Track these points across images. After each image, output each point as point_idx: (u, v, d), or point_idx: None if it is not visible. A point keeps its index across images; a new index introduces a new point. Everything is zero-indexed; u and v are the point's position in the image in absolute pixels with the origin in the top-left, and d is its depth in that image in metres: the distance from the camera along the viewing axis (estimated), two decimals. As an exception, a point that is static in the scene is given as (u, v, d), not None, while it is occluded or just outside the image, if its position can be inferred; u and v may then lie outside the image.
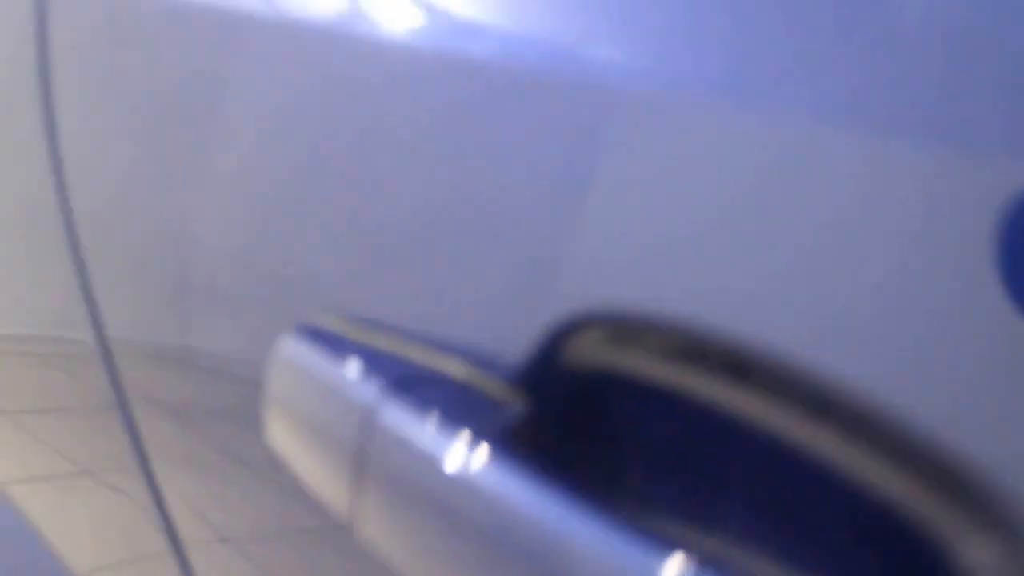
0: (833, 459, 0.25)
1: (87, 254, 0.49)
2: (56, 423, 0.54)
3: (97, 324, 0.50)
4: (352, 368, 0.34)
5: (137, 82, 0.47)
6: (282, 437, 0.37)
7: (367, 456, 0.32)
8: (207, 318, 0.43)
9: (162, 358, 0.47)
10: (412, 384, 0.33)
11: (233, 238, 0.41)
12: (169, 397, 0.47)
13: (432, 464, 0.30)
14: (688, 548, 0.26)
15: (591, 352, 0.30)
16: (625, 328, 0.29)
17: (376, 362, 0.34)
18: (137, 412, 0.49)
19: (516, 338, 0.30)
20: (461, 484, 0.30)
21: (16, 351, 0.56)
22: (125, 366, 0.49)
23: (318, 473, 0.36)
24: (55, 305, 0.53)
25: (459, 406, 0.32)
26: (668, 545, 0.25)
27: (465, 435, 0.30)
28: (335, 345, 0.36)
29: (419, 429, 0.31)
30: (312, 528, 0.39)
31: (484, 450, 0.29)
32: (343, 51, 0.35)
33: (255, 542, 0.43)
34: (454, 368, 0.33)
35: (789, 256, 0.25)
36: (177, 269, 0.44)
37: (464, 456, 0.30)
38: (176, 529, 0.49)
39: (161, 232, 0.45)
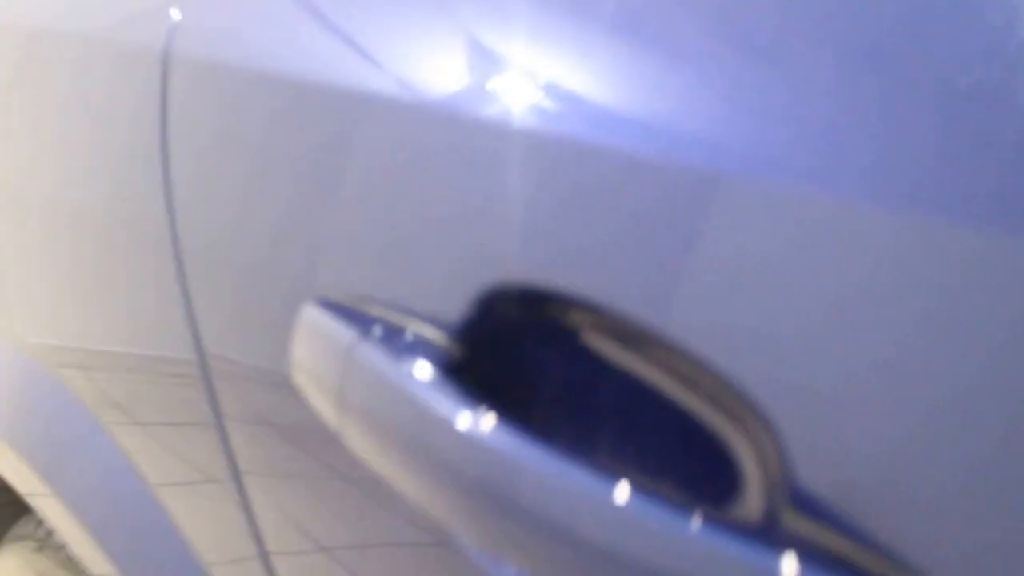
0: (668, 389, 0.36)
1: (192, 281, 0.58)
2: (188, 434, 0.60)
3: (199, 345, 0.57)
4: (343, 324, 0.46)
5: (236, 137, 0.55)
6: (300, 375, 0.48)
7: (347, 383, 0.44)
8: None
9: (259, 377, 0.54)
10: (382, 334, 0.44)
11: (305, 267, 0.51)
12: (267, 414, 0.54)
13: (390, 389, 0.42)
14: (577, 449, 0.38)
15: (507, 313, 0.41)
16: (531, 296, 0.39)
17: (360, 320, 0.45)
18: (238, 428, 0.56)
19: (456, 303, 0.41)
20: (410, 403, 0.41)
21: (158, 370, 0.63)
22: (223, 384, 0.56)
23: (318, 398, 0.47)
24: (172, 327, 0.59)
25: (411, 350, 0.43)
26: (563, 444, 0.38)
27: (414, 369, 0.42)
28: (338, 311, 0.47)
29: (382, 364, 0.43)
30: (399, 541, 0.48)
31: (428, 378, 0.41)
32: (414, 119, 0.45)
33: (345, 552, 0.51)
34: (413, 325, 0.44)
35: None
36: (271, 296, 0.52)
37: (413, 383, 0.41)
38: (264, 537, 0.55)
39: (257, 264, 0.53)
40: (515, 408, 0.40)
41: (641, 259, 0.35)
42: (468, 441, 0.39)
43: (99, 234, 0.65)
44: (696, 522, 0.33)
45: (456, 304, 0.41)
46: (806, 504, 0.31)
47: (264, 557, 0.56)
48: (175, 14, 0.60)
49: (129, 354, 0.64)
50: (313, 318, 0.47)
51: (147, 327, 0.62)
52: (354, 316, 0.46)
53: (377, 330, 0.44)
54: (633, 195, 0.36)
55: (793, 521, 0.32)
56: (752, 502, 0.33)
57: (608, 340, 0.38)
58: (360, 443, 0.44)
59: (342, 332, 0.45)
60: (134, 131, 0.62)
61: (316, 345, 0.47)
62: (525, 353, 0.41)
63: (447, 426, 0.39)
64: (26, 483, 0.77)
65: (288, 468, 0.53)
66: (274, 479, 0.54)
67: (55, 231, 0.70)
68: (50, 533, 0.87)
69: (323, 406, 0.46)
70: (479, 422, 0.39)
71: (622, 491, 0.35)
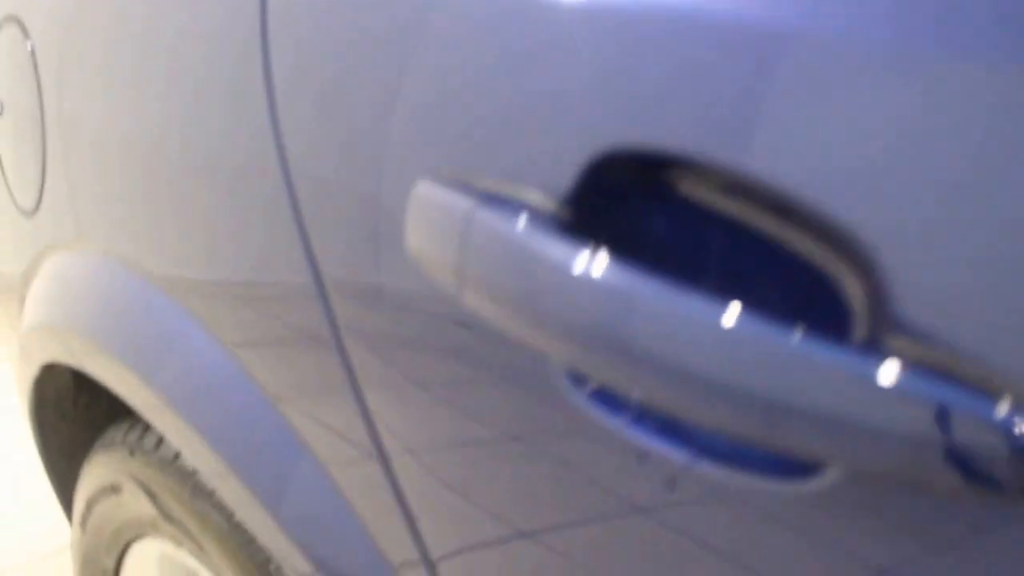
0: (775, 231, 0.40)
1: (304, 207, 0.60)
2: (305, 348, 0.64)
3: (314, 266, 0.60)
4: (459, 194, 0.49)
5: (336, 48, 0.57)
6: (418, 248, 0.52)
7: (466, 248, 0.48)
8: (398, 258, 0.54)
9: (368, 294, 0.57)
10: (493, 201, 0.48)
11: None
12: (373, 328, 0.57)
13: (505, 246, 0.46)
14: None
15: (613, 175, 0.44)
16: (637, 159, 0.43)
17: (475, 191, 0.49)
18: (354, 340, 0.59)
19: (566, 171, 0.45)
20: (525, 256, 0.45)
21: (252, 294, 0.67)
22: (336, 302, 0.60)
23: (437, 267, 0.50)
24: (279, 251, 0.63)
25: (526, 213, 0.46)
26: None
27: (527, 228, 0.45)
28: (452, 184, 0.50)
29: (498, 225, 0.47)
30: (488, 439, 0.52)
31: (544, 232, 0.45)
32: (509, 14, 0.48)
33: (442, 450, 0.55)
34: (522, 193, 0.47)
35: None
36: (377, 217, 0.55)
37: (525, 239, 0.46)
38: (382, 439, 0.60)
39: (365, 185, 0.56)
40: (630, 258, 0.43)
41: (743, 116, 0.39)
42: (591, 284, 0.43)
43: (209, 162, 0.68)
44: (807, 344, 0.38)
45: (563, 172, 0.45)
46: (907, 328, 0.36)
47: (383, 457, 0.60)
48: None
49: (244, 278, 0.67)
50: (428, 191, 0.51)
51: (260, 250, 0.65)
52: (468, 188, 0.49)
53: (491, 197, 0.48)
54: (729, 59, 0.39)
55: (896, 343, 0.36)
56: (859, 329, 0.38)
57: (717, 193, 0.41)
58: (481, 305, 0.48)
59: (459, 201, 0.48)
60: (237, 56, 0.64)
61: (433, 216, 0.50)
62: (637, 211, 0.44)
63: (567, 272, 0.43)
64: (139, 397, 0.81)
65: (404, 375, 0.56)
66: (391, 387, 0.58)
67: (166, 162, 0.73)
68: (140, 438, 0.93)
69: (442, 275, 0.50)
70: (600, 266, 0.43)
71: (737, 319, 0.39)
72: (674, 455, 0.43)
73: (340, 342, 0.60)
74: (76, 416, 1.08)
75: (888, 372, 0.36)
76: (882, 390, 0.36)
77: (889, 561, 0.38)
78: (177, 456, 0.86)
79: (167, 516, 0.89)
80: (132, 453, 0.92)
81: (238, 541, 0.79)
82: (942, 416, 0.35)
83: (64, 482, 1.14)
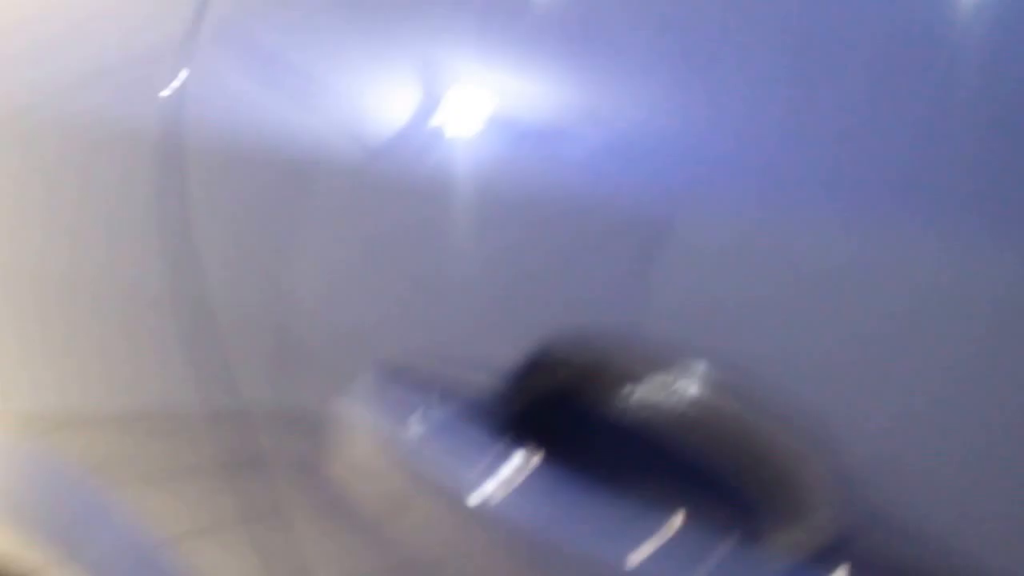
0: (707, 442, 0.37)
1: (223, 332, 0.56)
2: (193, 485, 0.59)
3: (235, 391, 0.56)
4: (391, 404, 0.46)
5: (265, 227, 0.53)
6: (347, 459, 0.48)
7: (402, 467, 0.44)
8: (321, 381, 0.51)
9: (289, 419, 0.54)
10: (433, 407, 0.44)
11: (330, 309, 0.50)
12: (293, 454, 0.54)
13: (451, 467, 0.43)
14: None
15: (552, 368, 0.41)
16: (574, 355, 0.40)
17: (407, 398, 0.45)
18: (282, 473, 0.55)
19: (509, 361, 0.41)
20: (469, 480, 0.42)
21: (146, 425, 0.62)
22: (259, 428, 0.55)
23: (375, 478, 0.47)
24: (178, 379, 0.58)
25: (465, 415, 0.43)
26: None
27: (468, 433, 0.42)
28: (383, 391, 0.47)
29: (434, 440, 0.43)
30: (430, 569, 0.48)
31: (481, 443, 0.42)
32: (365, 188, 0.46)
33: None
34: (468, 384, 0.43)
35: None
36: (306, 339, 0.51)
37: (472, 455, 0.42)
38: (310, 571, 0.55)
39: (292, 309, 0.52)
40: (576, 462, 0.40)
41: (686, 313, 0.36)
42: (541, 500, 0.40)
43: (107, 300, 0.64)
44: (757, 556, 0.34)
45: (506, 367, 0.42)
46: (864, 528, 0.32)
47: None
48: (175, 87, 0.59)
49: (135, 413, 0.63)
50: (356, 409, 0.48)
51: (157, 384, 0.61)
52: (403, 392, 0.46)
53: (428, 403, 0.45)
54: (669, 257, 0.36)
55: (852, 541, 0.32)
56: (809, 530, 0.34)
57: (657, 393, 0.38)
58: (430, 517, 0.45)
59: (390, 414, 0.46)
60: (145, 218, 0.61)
61: (366, 433, 0.47)
62: (573, 411, 0.41)
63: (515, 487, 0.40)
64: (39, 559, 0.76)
65: (333, 509, 0.53)
66: (321, 520, 0.54)
67: (61, 304, 0.69)
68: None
69: (381, 484, 0.47)
70: (544, 478, 0.40)
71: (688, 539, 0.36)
72: None
73: (270, 476, 0.56)
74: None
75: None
76: None
77: None
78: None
79: None
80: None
81: None
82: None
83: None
